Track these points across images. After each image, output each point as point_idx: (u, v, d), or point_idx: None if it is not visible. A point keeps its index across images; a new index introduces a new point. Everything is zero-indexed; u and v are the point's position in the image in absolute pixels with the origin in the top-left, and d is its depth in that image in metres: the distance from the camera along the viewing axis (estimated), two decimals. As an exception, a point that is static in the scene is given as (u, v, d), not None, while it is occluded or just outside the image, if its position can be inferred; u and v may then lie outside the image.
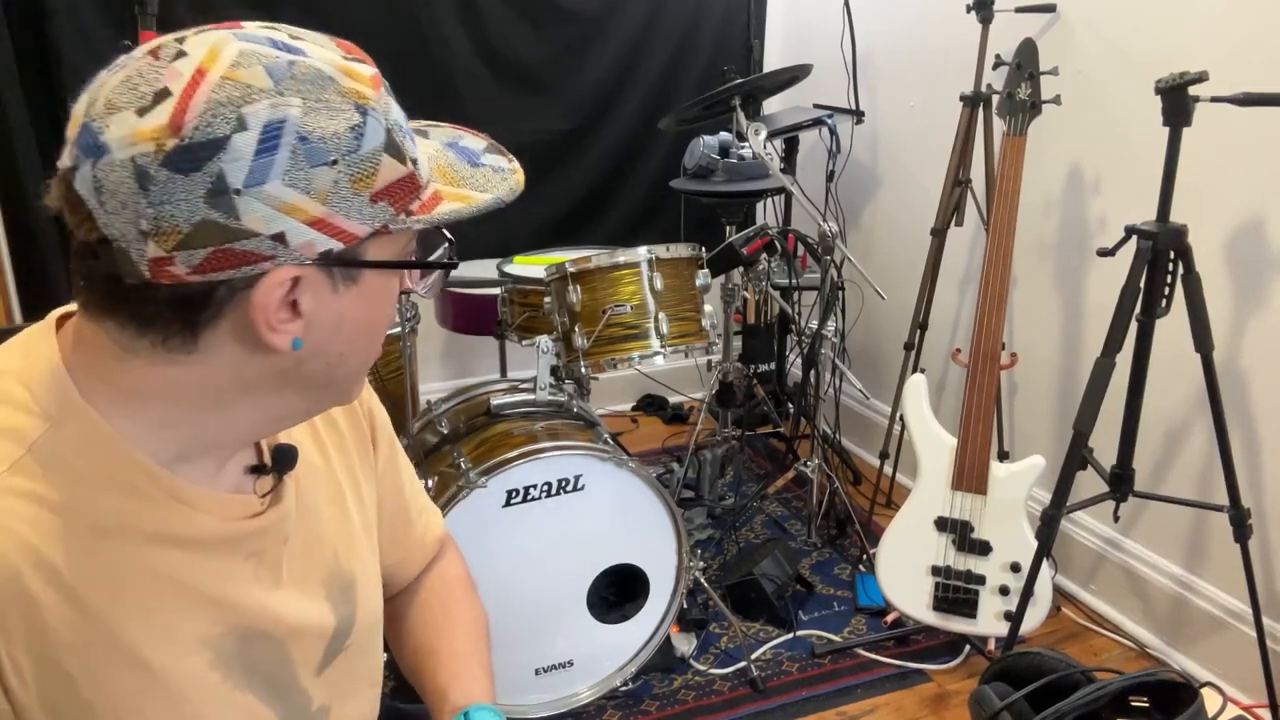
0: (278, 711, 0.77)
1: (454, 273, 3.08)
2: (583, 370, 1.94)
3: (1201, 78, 1.59)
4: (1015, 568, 1.95)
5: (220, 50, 0.58)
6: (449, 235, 0.73)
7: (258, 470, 0.76)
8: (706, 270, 2.04)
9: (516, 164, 0.74)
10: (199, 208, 0.57)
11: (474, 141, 0.74)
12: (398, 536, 0.98)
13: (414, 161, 0.65)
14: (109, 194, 0.57)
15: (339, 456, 0.87)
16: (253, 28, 0.61)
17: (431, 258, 0.73)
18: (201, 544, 0.70)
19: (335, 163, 0.59)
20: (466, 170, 0.71)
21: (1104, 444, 1.85)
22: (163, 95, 0.57)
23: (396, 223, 0.64)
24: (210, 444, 0.69)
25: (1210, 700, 0.89)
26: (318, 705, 0.82)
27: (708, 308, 2.04)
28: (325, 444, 0.86)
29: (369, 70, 0.64)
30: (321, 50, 0.62)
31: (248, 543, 0.74)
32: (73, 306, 0.67)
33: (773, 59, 3.34)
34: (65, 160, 0.59)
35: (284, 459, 0.77)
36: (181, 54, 0.59)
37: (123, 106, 0.57)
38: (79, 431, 0.63)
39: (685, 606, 2.07)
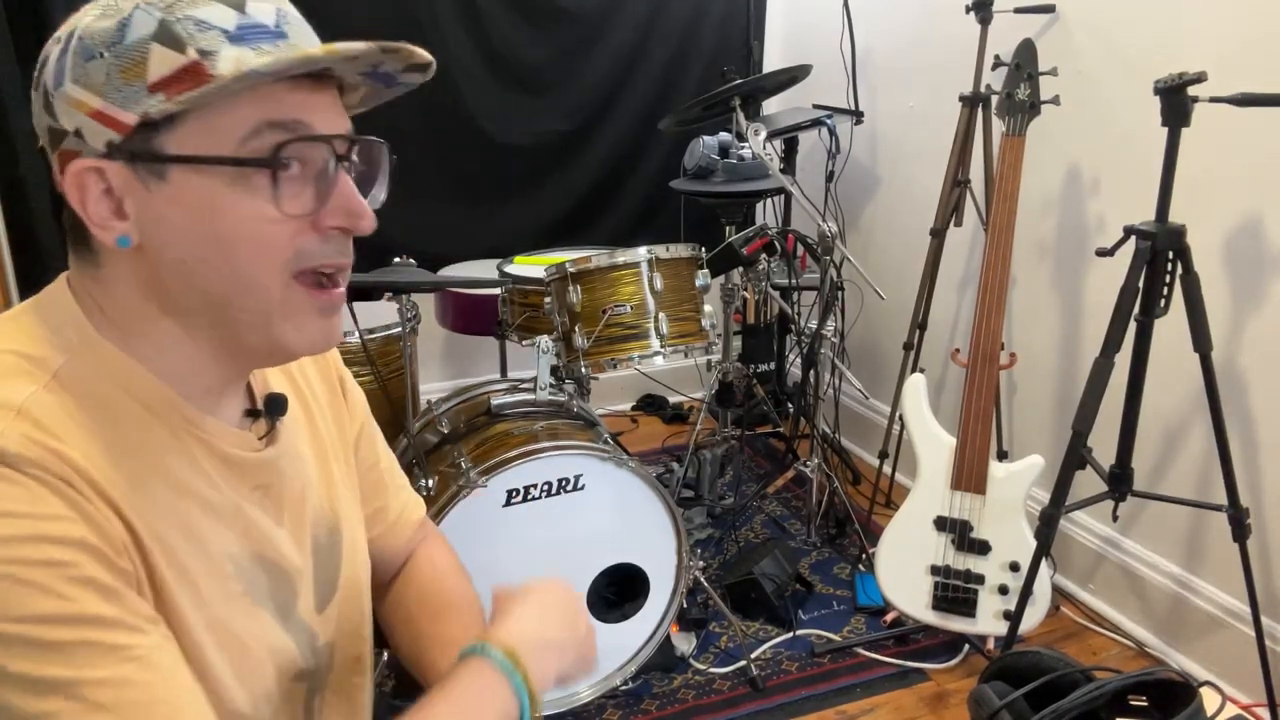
0: (292, 637, 0.80)
1: (454, 273, 3.07)
2: (583, 370, 1.95)
3: (1200, 78, 1.59)
4: (1014, 567, 1.95)
5: None
6: (335, 146, 0.69)
7: (251, 415, 0.80)
8: (706, 270, 2.05)
9: (387, 44, 0.67)
10: (42, 116, 0.67)
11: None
12: (379, 507, 1.01)
13: (204, 53, 0.63)
14: None
15: (319, 414, 0.91)
16: None
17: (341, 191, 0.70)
18: (219, 466, 0.74)
19: (103, 55, 0.64)
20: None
21: (1103, 444, 1.85)
22: None
23: (173, 103, 0.63)
24: (185, 374, 0.72)
25: (1209, 700, 0.89)
26: (323, 641, 0.85)
27: (708, 308, 2.04)
28: (307, 401, 0.90)
29: None
30: None
31: (256, 474, 0.78)
32: None
33: (772, 59, 3.34)
34: None
35: (276, 405, 0.81)
36: None
37: None
38: (96, 359, 0.68)
39: (685, 606, 2.07)
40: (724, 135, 2.71)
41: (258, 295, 0.69)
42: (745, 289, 2.73)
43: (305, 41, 0.69)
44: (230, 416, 0.77)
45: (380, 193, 0.77)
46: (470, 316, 2.65)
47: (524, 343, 2.23)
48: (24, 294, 2.41)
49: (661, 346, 1.95)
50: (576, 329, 1.94)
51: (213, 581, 0.72)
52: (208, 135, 0.65)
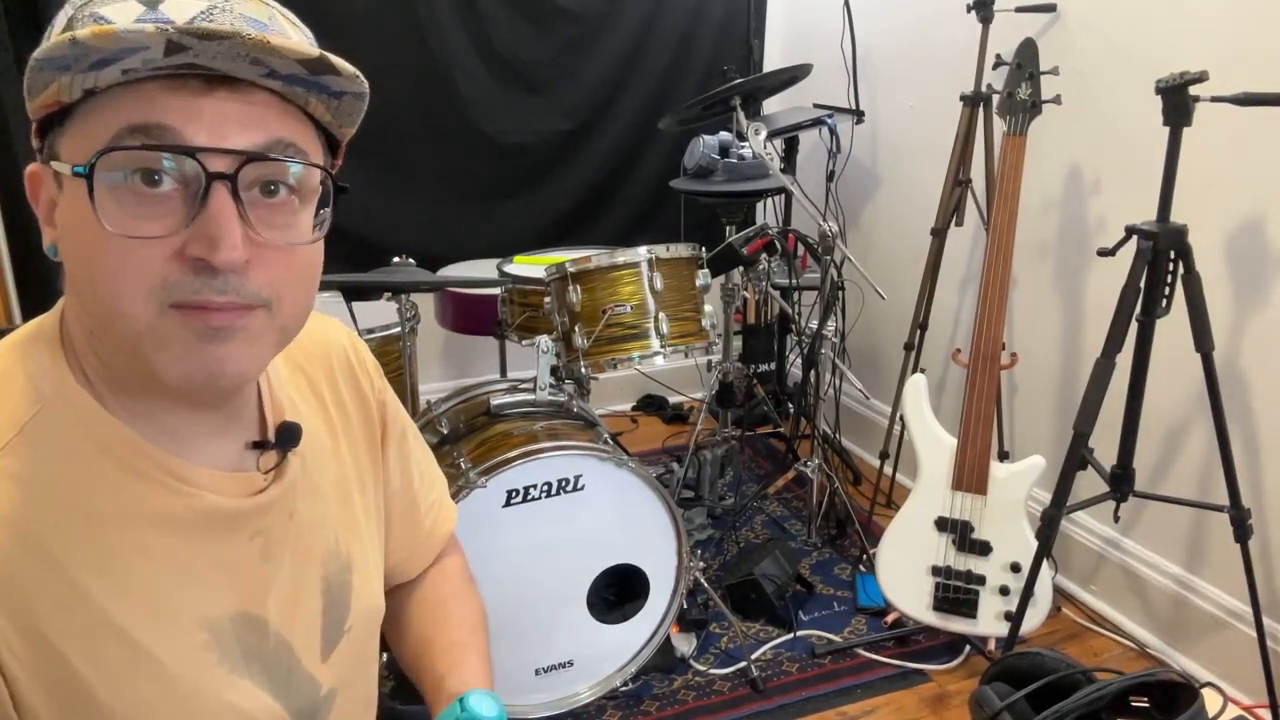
0: (277, 695, 0.75)
1: (454, 273, 3.07)
2: (583, 370, 1.94)
3: (1201, 78, 1.59)
4: (1015, 568, 1.95)
5: None
6: (208, 162, 0.59)
7: (260, 446, 0.75)
8: (706, 270, 2.04)
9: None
10: None
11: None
12: (405, 532, 0.98)
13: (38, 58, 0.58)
14: None
15: (347, 443, 0.86)
16: None
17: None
18: (201, 523, 0.69)
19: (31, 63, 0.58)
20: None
21: (1104, 444, 1.85)
22: None
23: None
24: (141, 414, 0.67)
25: (1211, 701, 0.89)
26: (326, 690, 0.80)
27: (708, 308, 2.04)
28: (336, 428, 0.85)
29: None
30: None
31: (253, 521, 0.73)
32: None
33: (773, 59, 3.34)
34: None
35: (287, 435, 0.76)
36: None
37: None
38: (69, 407, 0.65)
39: (685, 606, 2.07)
40: (724, 135, 2.71)
41: (123, 324, 0.61)
42: (746, 289, 2.73)
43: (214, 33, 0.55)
44: (224, 455, 0.72)
45: (323, 217, 0.68)
46: (470, 316, 2.65)
47: (524, 343, 2.23)
48: (24, 300, 2.41)
49: (661, 346, 1.95)
50: (576, 329, 1.94)
51: (181, 657, 0.68)
52: (82, 139, 0.60)
